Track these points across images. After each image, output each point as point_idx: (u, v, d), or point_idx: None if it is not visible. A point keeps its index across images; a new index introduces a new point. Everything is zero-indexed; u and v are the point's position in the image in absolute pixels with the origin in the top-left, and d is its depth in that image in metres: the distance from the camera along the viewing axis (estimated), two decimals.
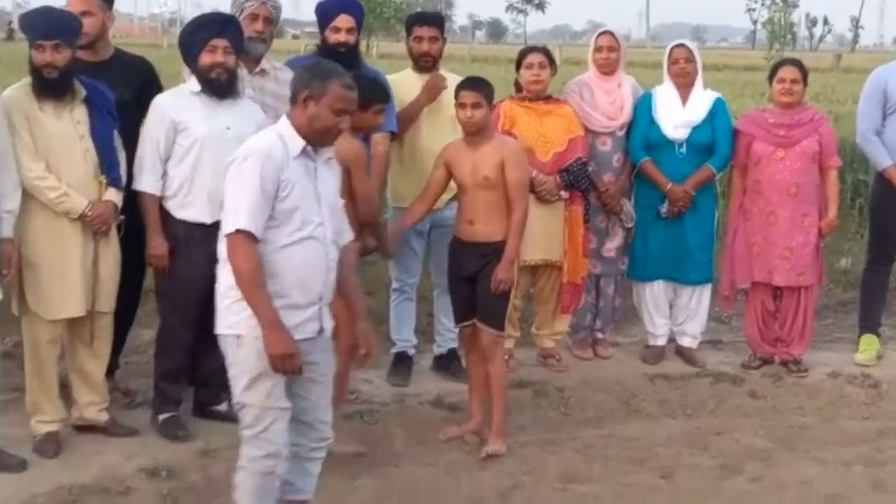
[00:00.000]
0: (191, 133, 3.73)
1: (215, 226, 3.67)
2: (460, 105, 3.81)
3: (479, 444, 3.92)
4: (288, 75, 4.14)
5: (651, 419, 4.33)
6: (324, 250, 2.80)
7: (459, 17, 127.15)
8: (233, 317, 2.76)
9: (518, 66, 4.66)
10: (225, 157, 3.69)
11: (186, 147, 3.73)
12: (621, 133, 4.71)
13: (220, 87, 3.72)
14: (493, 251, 3.80)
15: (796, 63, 4.81)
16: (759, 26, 49.58)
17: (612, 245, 4.76)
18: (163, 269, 3.75)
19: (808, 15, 59.09)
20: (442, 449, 3.90)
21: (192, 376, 4.13)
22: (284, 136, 2.78)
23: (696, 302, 4.86)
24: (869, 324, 5.06)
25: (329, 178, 2.94)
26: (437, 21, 4.52)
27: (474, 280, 3.87)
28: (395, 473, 3.77)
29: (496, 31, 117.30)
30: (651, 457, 3.88)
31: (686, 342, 4.89)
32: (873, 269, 5.09)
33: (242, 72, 4.03)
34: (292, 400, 2.87)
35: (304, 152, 2.77)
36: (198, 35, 3.73)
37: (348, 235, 3.03)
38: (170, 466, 3.68)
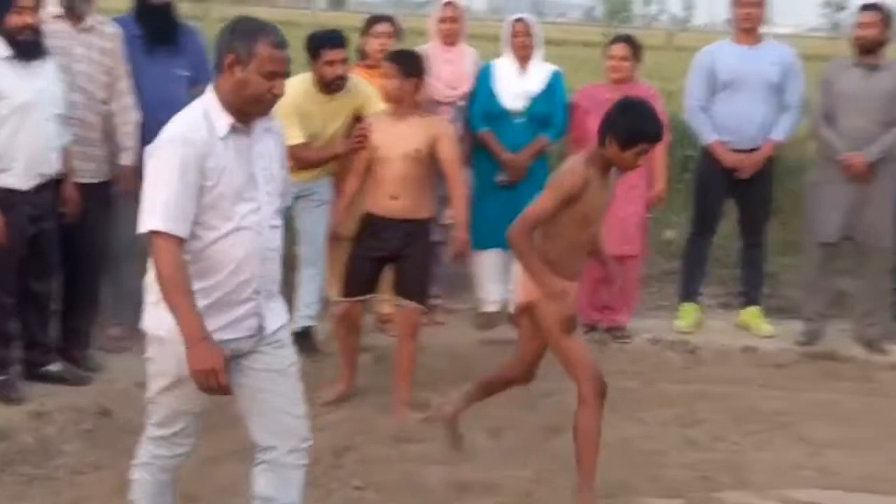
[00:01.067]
0: (9, 101, 3.69)
1: (31, 191, 3.83)
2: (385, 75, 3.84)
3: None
4: (112, 29, 4.20)
5: None
6: (259, 238, 2.53)
7: None
8: (156, 317, 2.48)
9: (364, 33, 4.66)
10: (43, 121, 3.84)
11: (5, 115, 3.69)
12: (462, 103, 4.78)
13: (29, 48, 3.69)
14: (418, 228, 3.82)
15: (627, 40, 4.90)
16: (597, 3, 49.53)
17: (451, 213, 4.76)
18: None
19: None
20: None
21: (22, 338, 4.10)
22: (209, 112, 2.45)
23: None
24: (689, 292, 5.25)
25: (268, 149, 2.60)
26: (344, 42, 4.40)
27: (393, 257, 3.85)
28: (235, 435, 3.61)
29: None
30: (482, 417, 3.98)
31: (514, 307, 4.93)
32: (695, 240, 5.26)
33: (71, 29, 3.99)
34: (254, 396, 2.61)
35: (232, 130, 2.45)
36: None
37: (286, 199, 2.78)
38: (2, 429, 3.69)
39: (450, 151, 3.86)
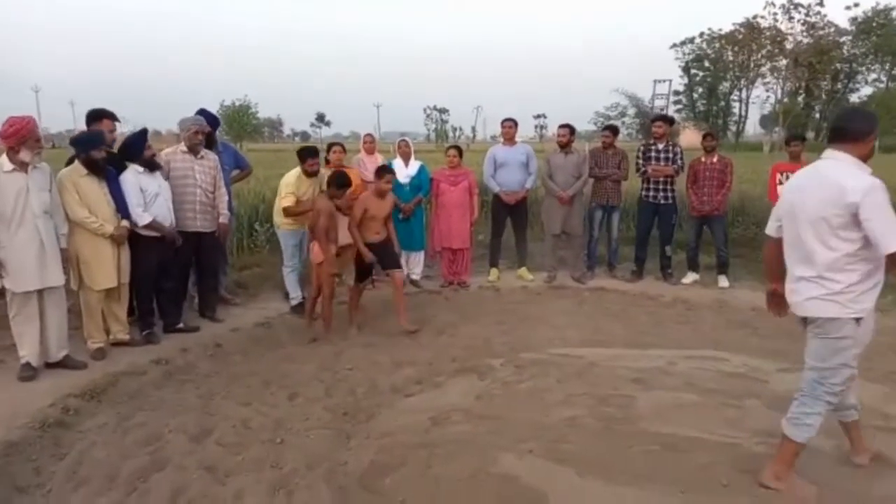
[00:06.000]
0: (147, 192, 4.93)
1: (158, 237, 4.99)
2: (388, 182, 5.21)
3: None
4: (213, 156, 5.56)
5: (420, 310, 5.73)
6: None
7: None
8: (859, 305, 2.65)
9: (328, 152, 6.19)
10: (165, 201, 5.08)
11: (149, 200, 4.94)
12: None
13: (153, 166, 5.01)
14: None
15: (456, 147, 6.84)
16: (430, 131, 62.29)
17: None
18: None
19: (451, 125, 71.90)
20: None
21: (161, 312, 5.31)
22: (861, 166, 2.67)
23: (416, 257, 6.85)
24: (493, 263, 7.05)
25: None
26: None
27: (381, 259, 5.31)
28: (283, 352, 5.02)
29: None
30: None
31: (414, 276, 6.88)
32: (494, 239, 7.06)
33: (193, 158, 5.32)
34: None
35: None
36: None
37: None
38: (162, 357, 4.76)
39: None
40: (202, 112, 5.86)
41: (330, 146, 6.46)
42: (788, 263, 2.80)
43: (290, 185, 5.83)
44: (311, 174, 5.92)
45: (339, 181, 5.28)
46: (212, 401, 4.10)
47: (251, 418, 3.81)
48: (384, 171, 5.44)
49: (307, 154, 5.91)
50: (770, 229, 3.02)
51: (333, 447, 3.45)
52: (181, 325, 5.39)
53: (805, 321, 2.76)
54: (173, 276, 5.34)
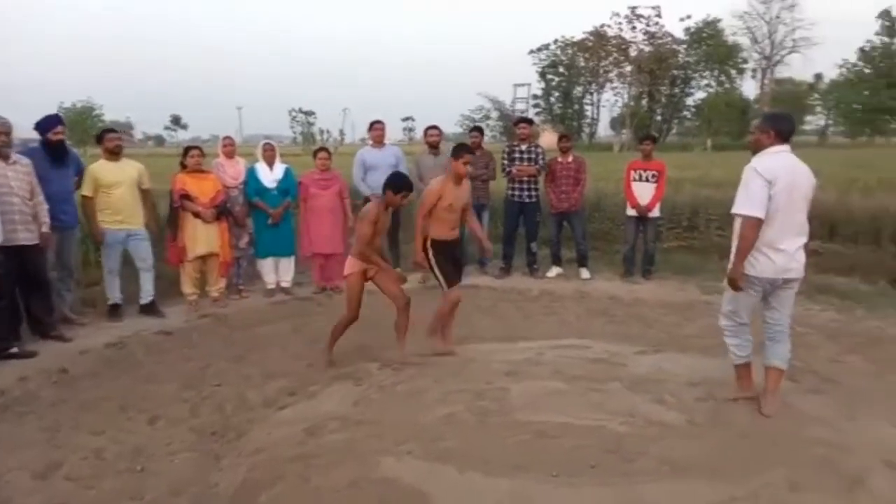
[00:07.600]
0: None
1: None
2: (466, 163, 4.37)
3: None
4: (27, 161, 5.06)
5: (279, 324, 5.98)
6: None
7: None
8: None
9: (184, 156, 5.96)
10: None
11: None
12: (241, 187, 6.47)
13: None
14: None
15: (325, 150, 6.90)
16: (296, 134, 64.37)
17: (244, 242, 6.59)
18: None
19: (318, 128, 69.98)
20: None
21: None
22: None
23: (286, 263, 6.79)
24: None
25: None
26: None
27: (456, 260, 4.65)
28: (141, 373, 4.75)
29: None
30: None
31: (284, 284, 6.82)
32: None
33: (4, 164, 4.81)
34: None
35: None
36: None
37: None
38: (0, 389, 4.33)
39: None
40: (55, 118, 5.53)
41: (187, 150, 6.25)
42: (777, 237, 3.36)
43: (90, 171, 5.67)
44: (112, 152, 5.79)
45: (396, 183, 4.35)
46: (58, 433, 3.81)
47: (105, 448, 3.57)
48: (462, 150, 4.51)
49: (104, 132, 5.87)
50: (761, 212, 3.39)
51: (201, 470, 3.30)
52: (15, 350, 4.94)
53: (772, 283, 3.49)
54: (2, 294, 4.92)
